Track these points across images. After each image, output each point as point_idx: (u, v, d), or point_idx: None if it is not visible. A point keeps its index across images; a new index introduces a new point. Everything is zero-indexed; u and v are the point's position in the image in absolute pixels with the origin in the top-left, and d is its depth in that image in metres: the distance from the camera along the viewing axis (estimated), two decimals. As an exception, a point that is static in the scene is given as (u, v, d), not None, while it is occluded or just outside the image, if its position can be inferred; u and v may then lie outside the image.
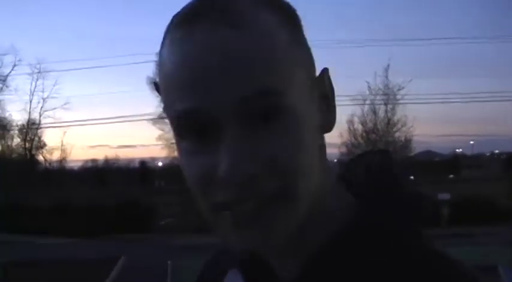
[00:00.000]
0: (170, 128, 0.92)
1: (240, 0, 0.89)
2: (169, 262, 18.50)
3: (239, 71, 0.83)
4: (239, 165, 0.84)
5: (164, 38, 0.92)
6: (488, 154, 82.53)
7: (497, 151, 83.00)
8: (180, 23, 0.89)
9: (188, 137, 0.89)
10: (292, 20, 0.94)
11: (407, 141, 36.33)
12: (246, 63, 0.84)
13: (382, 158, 1.10)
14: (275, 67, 0.86)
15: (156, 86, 0.97)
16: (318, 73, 0.99)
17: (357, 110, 35.81)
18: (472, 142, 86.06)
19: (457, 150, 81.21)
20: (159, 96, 0.95)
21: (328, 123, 0.98)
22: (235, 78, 0.84)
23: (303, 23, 0.97)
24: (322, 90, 0.97)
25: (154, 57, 52.13)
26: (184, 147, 0.91)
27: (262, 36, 0.86)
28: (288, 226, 0.89)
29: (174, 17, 0.92)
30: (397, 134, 35.71)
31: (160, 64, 0.92)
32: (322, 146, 0.98)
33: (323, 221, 0.97)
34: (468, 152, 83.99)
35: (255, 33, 0.86)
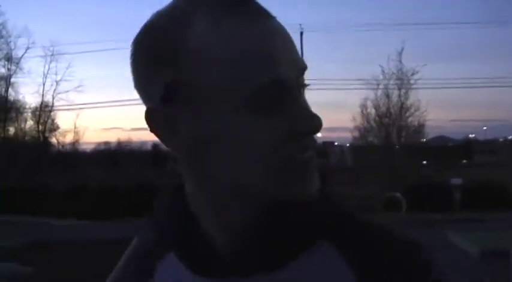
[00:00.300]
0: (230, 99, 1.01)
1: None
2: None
3: (296, 49, 1.03)
4: (314, 118, 1.00)
5: (207, 27, 1.01)
6: (501, 140, 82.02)
7: (510, 137, 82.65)
8: (229, 13, 1.00)
9: (261, 108, 1.00)
10: None
11: (421, 126, 36.16)
12: (294, 43, 1.04)
13: None
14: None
15: (172, 85, 1.06)
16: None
17: (370, 94, 35.70)
18: (485, 127, 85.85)
19: (470, 135, 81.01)
20: None
21: None
22: (297, 55, 1.03)
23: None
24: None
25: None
26: (249, 119, 1.00)
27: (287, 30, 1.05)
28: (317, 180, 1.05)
29: (208, 7, 1.02)
30: (410, 119, 35.55)
31: (213, 47, 1.00)
32: None
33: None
34: (481, 138, 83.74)
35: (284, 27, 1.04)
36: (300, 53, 1.06)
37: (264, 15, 1.02)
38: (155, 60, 1.05)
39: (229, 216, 1.08)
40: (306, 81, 1.06)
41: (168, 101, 1.05)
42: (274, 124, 1.00)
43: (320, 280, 1.06)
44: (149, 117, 1.09)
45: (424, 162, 42.30)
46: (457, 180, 29.40)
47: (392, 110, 35.11)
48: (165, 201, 1.22)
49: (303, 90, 1.04)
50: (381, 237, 1.10)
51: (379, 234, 1.10)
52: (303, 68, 1.03)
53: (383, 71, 34.99)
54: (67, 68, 49.09)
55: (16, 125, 46.85)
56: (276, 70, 0.98)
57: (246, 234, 1.07)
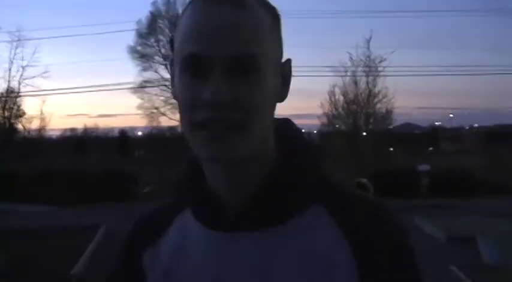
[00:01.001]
0: (175, 72, 1.32)
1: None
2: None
3: (234, 36, 1.21)
4: (219, 92, 1.19)
5: (186, 7, 1.30)
6: (467, 127, 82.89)
7: (476, 125, 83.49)
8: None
9: (187, 73, 1.24)
10: (275, 18, 1.32)
11: (388, 113, 36.43)
12: (239, 31, 1.21)
13: (287, 122, 1.45)
14: (257, 40, 1.23)
15: (171, 42, 1.29)
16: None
17: (338, 81, 35.82)
18: (451, 115, 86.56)
19: (436, 123, 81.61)
20: (173, 49, 1.33)
21: (282, 96, 1.35)
22: (230, 39, 1.21)
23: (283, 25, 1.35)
24: (284, 72, 1.34)
25: (135, 26, 51.98)
26: (183, 80, 1.26)
27: (253, 18, 1.24)
28: (243, 148, 1.23)
29: None
30: (378, 106, 35.80)
31: (180, 24, 1.29)
32: (274, 109, 1.33)
33: (264, 160, 1.31)
34: (447, 125, 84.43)
35: (249, 14, 1.24)
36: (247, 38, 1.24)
37: (216, 2, 1.23)
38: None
39: (235, 179, 1.30)
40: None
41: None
42: (193, 90, 1.24)
43: (313, 235, 1.27)
44: (170, 64, 1.37)
45: (391, 148, 42.56)
46: (424, 167, 29.63)
47: (360, 97, 35.35)
48: (184, 168, 1.44)
49: (228, 69, 1.21)
50: (361, 199, 1.34)
51: (358, 197, 1.34)
52: (220, 52, 1.21)
53: (351, 58, 35.23)
54: (33, 54, 48.60)
55: (-19, 110, 46.46)
56: (196, 47, 1.22)
57: (252, 194, 1.29)
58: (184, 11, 1.31)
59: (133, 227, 1.50)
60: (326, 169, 1.38)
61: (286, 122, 1.44)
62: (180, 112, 1.28)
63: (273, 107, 1.32)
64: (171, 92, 1.37)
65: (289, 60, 1.36)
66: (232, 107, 1.20)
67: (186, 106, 1.25)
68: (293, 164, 1.33)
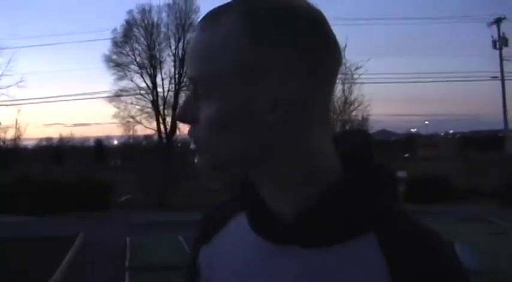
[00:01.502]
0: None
1: (224, 11, 1.24)
2: (128, 238, 18.51)
3: (191, 58, 1.25)
4: (179, 111, 1.30)
5: None
6: (442, 134, 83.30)
7: (451, 131, 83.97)
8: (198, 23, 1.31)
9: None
10: (261, 35, 1.19)
11: (364, 121, 36.65)
12: (194, 54, 1.25)
13: (364, 136, 1.42)
14: (210, 63, 1.21)
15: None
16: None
17: (315, 89, 35.82)
18: (426, 122, 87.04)
19: (412, 129, 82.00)
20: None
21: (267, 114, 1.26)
22: (190, 62, 1.26)
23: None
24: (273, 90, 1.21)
25: (110, 35, 51.88)
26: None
27: (209, 37, 1.22)
28: (207, 163, 1.27)
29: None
30: (353, 113, 35.97)
31: None
32: (284, 118, 1.21)
33: (315, 177, 1.25)
34: (423, 132, 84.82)
35: (207, 34, 1.23)
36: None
37: (202, 28, 1.25)
38: None
39: (290, 195, 1.27)
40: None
41: None
42: None
43: (357, 266, 1.21)
44: None
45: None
46: (401, 173, 29.76)
47: (336, 104, 35.39)
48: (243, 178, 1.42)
49: (193, 90, 1.27)
50: (418, 233, 1.24)
51: (420, 234, 1.24)
52: (188, 74, 1.28)
53: (327, 66, 35.23)
54: (8, 63, 48.60)
55: (-45, 120, 46.16)
56: (187, 71, 1.29)
57: (304, 211, 1.25)
58: None
59: (200, 222, 1.54)
60: (391, 197, 1.30)
61: (360, 133, 1.43)
62: None
63: (261, 120, 1.21)
64: None
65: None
66: (194, 126, 1.26)
67: None
68: (353, 185, 1.26)
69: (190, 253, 1.54)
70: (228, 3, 1.25)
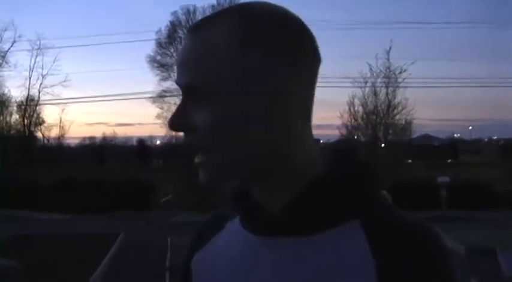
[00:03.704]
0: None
1: (216, 17, 1.27)
2: (168, 239, 18.58)
3: (183, 65, 1.26)
4: (172, 118, 1.27)
5: None
6: (486, 140, 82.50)
7: (495, 137, 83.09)
8: (187, 30, 1.32)
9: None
10: (255, 40, 1.23)
11: (407, 125, 36.29)
12: (186, 61, 1.26)
13: (349, 140, 1.40)
14: (200, 67, 1.23)
15: None
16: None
17: (358, 92, 35.74)
18: (470, 127, 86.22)
19: (456, 135, 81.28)
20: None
21: (276, 110, 1.27)
22: (182, 69, 1.27)
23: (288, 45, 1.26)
24: (271, 90, 1.24)
25: (154, 36, 52.11)
26: None
27: (202, 42, 1.24)
28: (215, 169, 1.26)
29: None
30: (397, 117, 35.66)
31: None
32: (279, 117, 1.25)
33: (298, 168, 1.28)
34: (466, 137, 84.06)
35: (199, 40, 1.25)
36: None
37: (193, 35, 1.27)
38: None
39: (274, 187, 1.30)
40: None
41: None
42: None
43: (340, 251, 1.23)
44: None
45: (410, 160, 42.41)
46: (444, 179, 29.53)
47: (379, 108, 35.24)
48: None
49: (186, 96, 1.27)
50: (402, 223, 1.24)
51: (401, 219, 1.25)
52: (180, 82, 1.27)
53: (371, 69, 35.09)
54: (53, 62, 49.11)
55: (1, 118, 46.77)
56: (176, 77, 1.29)
57: (288, 202, 1.27)
58: None
59: (195, 230, 1.59)
60: (374, 187, 1.33)
61: (345, 139, 1.46)
62: None
63: (260, 121, 1.24)
64: None
65: (278, 79, 1.28)
66: (192, 132, 1.26)
67: None
68: (336, 176, 1.29)
69: (184, 258, 1.56)
70: (217, 12, 1.30)
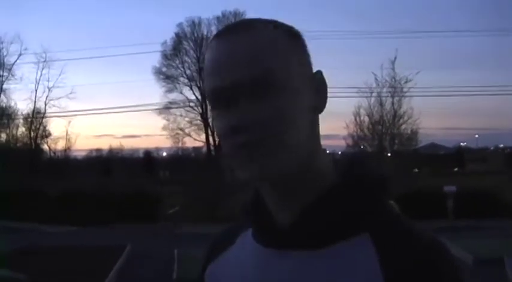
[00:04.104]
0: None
1: (254, 20, 1.33)
2: (175, 250, 18.58)
3: (244, 60, 1.25)
4: (243, 117, 1.24)
5: (207, 47, 1.36)
6: (492, 148, 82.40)
7: (501, 145, 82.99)
8: (215, 36, 1.34)
9: (216, 107, 1.31)
10: (293, 36, 1.35)
11: (413, 134, 36.22)
12: (248, 55, 1.26)
13: (359, 153, 1.42)
14: (271, 58, 1.27)
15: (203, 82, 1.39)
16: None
17: (363, 102, 35.71)
18: (476, 135, 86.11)
19: (462, 143, 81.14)
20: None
21: (318, 107, 1.36)
22: (242, 65, 1.25)
23: (307, 43, 1.39)
24: (316, 84, 1.36)
25: (160, 48, 52.20)
26: (214, 115, 1.32)
27: (261, 39, 1.28)
28: (278, 162, 1.25)
29: (215, 33, 1.36)
30: (403, 127, 35.60)
31: (204, 66, 1.35)
32: (315, 121, 1.36)
33: (314, 179, 1.32)
34: (472, 146, 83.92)
35: (257, 37, 1.28)
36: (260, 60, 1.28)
37: (228, 34, 1.30)
38: None
39: (282, 198, 1.34)
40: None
41: None
42: (223, 121, 1.29)
43: (350, 266, 1.24)
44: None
45: (416, 169, 42.34)
46: (450, 188, 29.44)
47: (385, 118, 35.19)
48: (252, 191, 1.48)
49: (248, 93, 1.26)
50: (410, 236, 1.25)
51: (412, 234, 1.26)
52: (236, 79, 1.25)
53: (376, 79, 35.07)
54: (59, 75, 49.35)
55: (8, 131, 46.95)
56: (215, 82, 1.28)
57: (298, 214, 1.31)
58: (206, 53, 1.37)
59: (209, 243, 1.61)
60: (384, 199, 1.36)
61: (356, 151, 1.47)
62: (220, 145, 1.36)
63: (308, 120, 1.32)
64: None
65: (319, 72, 1.38)
66: (260, 128, 1.25)
67: (220, 138, 1.33)
68: (345, 189, 1.32)
69: (199, 272, 1.59)
70: (250, 19, 1.36)
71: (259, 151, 1.24)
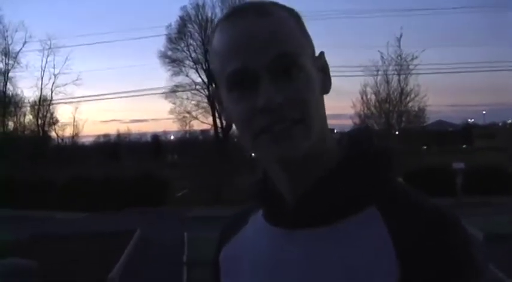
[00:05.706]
0: (218, 91, 1.41)
1: (264, 2, 1.35)
2: (185, 234, 18.61)
3: (267, 41, 1.27)
4: (271, 97, 1.24)
5: (215, 28, 1.37)
6: (500, 124, 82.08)
7: (509, 121, 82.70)
8: (227, 17, 1.35)
9: (235, 90, 1.30)
10: (296, 17, 1.38)
11: (421, 111, 36.14)
12: (271, 36, 1.28)
13: (363, 128, 1.50)
14: (291, 39, 1.30)
15: (209, 72, 1.34)
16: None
17: (370, 80, 35.63)
18: (484, 112, 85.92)
19: (469, 120, 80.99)
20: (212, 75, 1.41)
21: (326, 88, 1.40)
22: (265, 45, 1.27)
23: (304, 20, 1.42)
24: (320, 65, 1.39)
25: (164, 31, 52.16)
26: (233, 98, 1.32)
27: (279, 21, 1.31)
28: (305, 143, 1.28)
29: (223, 15, 1.38)
30: (410, 104, 35.51)
31: (213, 50, 1.36)
32: (323, 102, 1.39)
33: (323, 157, 1.35)
34: (480, 122, 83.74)
35: (275, 19, 1.30)
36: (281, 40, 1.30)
37: (243, 17, 1.31)
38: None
39: (295, 178, 1.35)
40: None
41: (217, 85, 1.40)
42: (246, 102, 1.28)
43: (360, 239, 1.27)
44: (212, 96, 1.47)
45: (424, 147, 42.28)
46: (459, 165, 29.39)
47: (392, 96, 35.10)
48: (260, 174, 1.50)
49: (273, 73, 1.27)
50: (421, 207, 1.27)
51: (419, 204, 1.28)
52: (260, 60, 1.26)
53: (382, 57, 34.97)
54: (65, 62, 49.49)
55: (15, 119, 46.99)
56: (235, 64, 1.28)
57: (306, 192, 1.33)
58: (212, 36, 1.38)
59: (222, 226, 1.64)
60: (390, 173, 1.38)
61: (360, 127, 1.51)
62: (238, 129, 1.35)
63: (322, 100, 1.37)
64: (224, 117, 1.47)
65: (322, 53, 1.43)
66: (287, 107, 1.26)
67: (243, 119, 1.30)
68: (351, 164, 1.35)
69: (213, 256, 1.62)
70: (260, 1, 1.37)
71: (286, 132, 1.26)
